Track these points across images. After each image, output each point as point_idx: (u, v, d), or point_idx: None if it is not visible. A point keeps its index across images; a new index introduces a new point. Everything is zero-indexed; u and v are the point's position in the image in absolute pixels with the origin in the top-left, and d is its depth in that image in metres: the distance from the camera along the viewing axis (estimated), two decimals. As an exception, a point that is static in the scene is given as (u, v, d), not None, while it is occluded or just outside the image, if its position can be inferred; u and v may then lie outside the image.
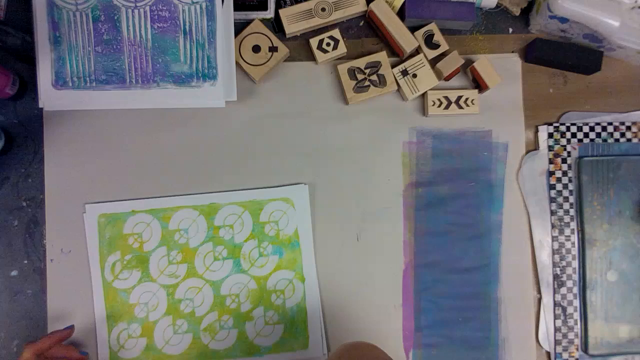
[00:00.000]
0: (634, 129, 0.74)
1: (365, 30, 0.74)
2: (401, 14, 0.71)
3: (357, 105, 0.73)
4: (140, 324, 0.70)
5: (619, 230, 0.73)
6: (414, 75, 0.71)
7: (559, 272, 0.73)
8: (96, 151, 0.71)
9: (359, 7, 0.71)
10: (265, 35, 0.70)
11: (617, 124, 0.74)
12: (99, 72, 0.68)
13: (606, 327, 0.72)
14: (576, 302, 0.73)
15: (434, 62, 0.72)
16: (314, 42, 0.71)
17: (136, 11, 0.67)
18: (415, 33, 0.71)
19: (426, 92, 0.71)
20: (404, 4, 0.71)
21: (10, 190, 0.70)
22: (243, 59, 0.70)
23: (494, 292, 0.73)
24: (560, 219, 0.73)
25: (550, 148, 0.74)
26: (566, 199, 0.74)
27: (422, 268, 0.72)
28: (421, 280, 0.72)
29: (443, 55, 0.72)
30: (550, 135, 0.74)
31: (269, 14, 0.71)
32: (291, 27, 0.70)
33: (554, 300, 0.73)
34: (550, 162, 0.74)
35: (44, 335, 0.62)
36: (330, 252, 0.72)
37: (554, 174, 0.74)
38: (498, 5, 0.73)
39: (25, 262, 0.70)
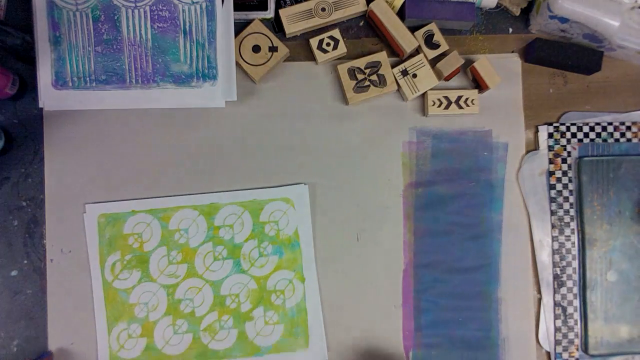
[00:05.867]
0: (634, 129, 0.74)
1: (365, 30, 0.74)
2: (401, 14, 0.71)
3: (357, 105, 0.73)
4: (140, 324, 0.70)
5: (619, 230, 0.73)
6: (414, 75, 0.71)
7: (559, 272, 0.73)
8: (96, 151, 0.71)
9: (359, 7, 0.71)
10: (265, 35, 0.70)
11: (617, 124, 0.74)
12: (99, 72, 0.68)
13: (606, 327, 0.72)
14: (576, 302, 0.73)
15: (434, 62, 0.72)
16: (314, 42, 0.71)
17: (136, 11, 0.67)
18: (415, 33, 0.71)
19: (426, 92, 0.71)
20: (404, 4, 0.71)
21: (10, 190, 0.70)
22: (243, 59, 0.70)
23: (494, 292, 0.73)
24: (560, 219, 0.73)
25: (550, 148, 0.74)
26: (566, 199, 0.74)
27: (422, 268, 0.72)
28: (421, 280, 0.72)
29: (443, 55, 0.72)
30: (550, 135, 0.74)
31: (269, 14, 0.71)
32: (291, 27, 0.70)
33: (554, 300, 0.73)
34: (550, 162, 0.74)
35: None
36: (330, 252, 0.72)
37: (554, 174, 0.74)
38: (498, 5, 0.73)
39: (25, 262, 0.70)
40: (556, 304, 0.73)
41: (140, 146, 0.71)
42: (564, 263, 0.73)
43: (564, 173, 0.74)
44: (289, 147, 0.72)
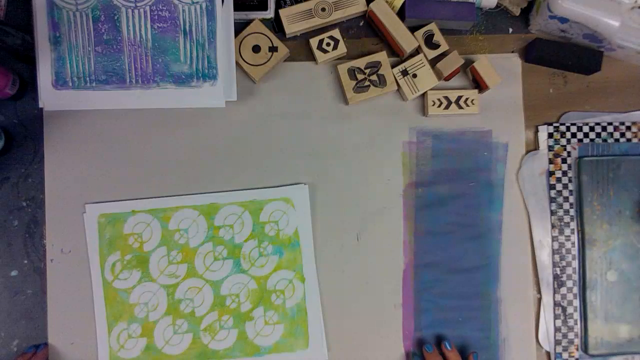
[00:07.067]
0: (634, 129, 0.74)
1: (365, 30, 0.74)
2: (401, 14, 0.71)
3: (357, 105, 0.73)
4: (140, 324, 0.70)
5: (619, 230, 0.73)
6: (414, 75, 0.71)
7: (559, 272, 0.73)
8: (96, 151, 0.71)
9: (359, 7, 0.71)
10: (265, 35, 0.70)
11: (617, 124, 0.74)
12: (99, 72, 0.68)
13: (606, 327, 0.72)
14: (576, 302, 0.73)
15: (434, 62, 0.72)
16: (314, 42, 0.71)
17: (136, 11, 0.67)
18: (415, 33, 0.71)
19: (426, 92, 0.71)
20: (404, 4, 0.71)
21: (10, 190, 0.70)
22: (243, 59, 0.70)
23: (494, 292, 0.73)
24: (560, 219, 0.73)
25: (550, 148, 0.74)
26: (566, 199, 0.74)
27: (422, 268, 0.72)
28: (421, 280, 0.72)
29: (443, 55, 0.72)
30: (550, 135, 0.74)
31: (269, 14, 0.71)
32: (291, 27, 0.70)
33: (554, 300, 0.73)
34: (550, 162, 0.74)
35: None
36: (330, 252, 0.72)
37: (554, 174, 0.74)
38: (498, 5, 0.73)
39: (25, 262, 0.70)
40: (556, 304, 0.73)
41: (140, 146, 0.71)
42: (564, 263, 0.73)
43: (564, 173, 0.74)
44: (289, 147, 0.72)
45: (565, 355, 0.72)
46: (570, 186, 0.74)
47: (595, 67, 0.72)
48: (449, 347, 0.69)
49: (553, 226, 0.73)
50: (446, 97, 0.71)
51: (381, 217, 0.73)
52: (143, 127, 0.71)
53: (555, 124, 0.74)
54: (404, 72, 0.71)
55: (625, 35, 0.67)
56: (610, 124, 0.74)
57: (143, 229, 0.70)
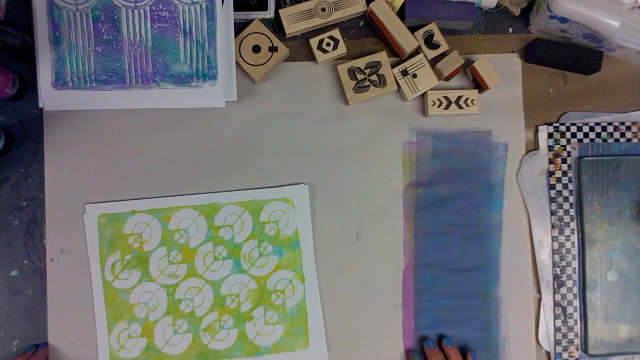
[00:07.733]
0: (634, 129, 0.74)
1: (365, 30, 0.74)
2: (401, 14, 0.71)
3: (357, 105, 0.73)
4: (140, 324, 0.70)
5: (619, 230, 0.73)
6: (414, 75, 0.71)
7: (558, 272, 0.73)
8: (96, 151, 0.71)
9: (359, 7, 0.71)
10: (265, 35, 0.70)
11: (617, 124, 0.74)
12: (99, 72, 0.68)
13: (606, 327, 0.72)
14: (576, 302, 0.73)
15: (434, 62, 0.72)
16: (314, 42, 0.71)
17: (136, 11, 0.67)
18: (415, 33, 0.71)
19: (426, 92, 0.71)
20: (404, 4, 0.71)
21: (10, 190, 0.70)
22: (243, 59, 0.70)
23: (494, 292, 0.73)
24: (560, 219, 0.73)
25: (550, 148, 0.74)
26: (566, 199, 0.74)
27: (422, 268, 0.72)
28: (421, 280, 0.72)
29: (443, 55, 0.72)
30: (550, 135, 0.74)
31: (269, 14, 0.71)
32: (291, 27, 0.70)
33: (554, 300, 0.73)
34: (550, 162, 0.74)
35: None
36: (330, 252, 0.72)
37: (554, 174, 0.74)
38: (498, 5, 0.73)
39: (25, 262, 0.70)
40: (556, 304, 0.73)
41: (141, 146, 0.71)
42: (564, 263, 0.73)
43: (564, 173, 0.74)
44: (289, 147, 0.72)
45: (565, 355, 0.72)
46: (570, 186, 0.74)
47: (595, 67, 0.72)
48: (448, 345, 0.69)
49: (553, 226, 0.73)
50: (446, 97, 0.71)
51: (381, 217, 0.73)
52: (143, 127, 0.71)
53: (555, 124, 0.74)
54: (404, 72, 0.71)
55: (625, 35, 0.67)
56: (610, 124, 0.74)
57: (143, 229, 0.70)
